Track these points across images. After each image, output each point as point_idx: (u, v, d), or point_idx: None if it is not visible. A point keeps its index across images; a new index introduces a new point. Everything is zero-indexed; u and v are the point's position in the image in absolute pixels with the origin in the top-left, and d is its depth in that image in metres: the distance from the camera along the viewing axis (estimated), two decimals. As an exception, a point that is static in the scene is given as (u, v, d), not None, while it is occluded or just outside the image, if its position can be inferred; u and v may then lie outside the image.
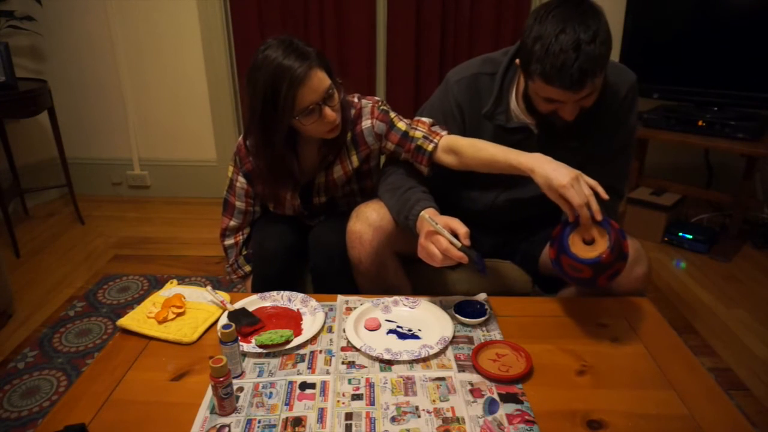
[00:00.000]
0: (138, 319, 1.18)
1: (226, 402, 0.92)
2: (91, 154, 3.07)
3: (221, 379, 0.90)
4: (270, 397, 0.97)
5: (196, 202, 3.07)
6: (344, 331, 1.14)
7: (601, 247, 1.07)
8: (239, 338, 1.06)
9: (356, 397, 0.97)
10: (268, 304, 1.26)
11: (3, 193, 2.42)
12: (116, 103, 2.95)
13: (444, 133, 1.30)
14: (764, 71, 2.22)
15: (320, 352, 1.09)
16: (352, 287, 1.41)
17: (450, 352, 1.09)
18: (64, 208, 2.94)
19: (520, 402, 0.95)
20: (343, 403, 0.95)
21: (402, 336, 1.14)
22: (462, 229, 1.14)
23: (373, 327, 1.16)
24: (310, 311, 1.22)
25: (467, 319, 1.17)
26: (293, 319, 1.19)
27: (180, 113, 2.97)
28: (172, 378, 1.03)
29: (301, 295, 1.26)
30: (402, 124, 1.33)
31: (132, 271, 2.31)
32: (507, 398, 0.96)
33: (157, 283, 2.21)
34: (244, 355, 1.08)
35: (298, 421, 0.91)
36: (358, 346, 1.08)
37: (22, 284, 2.21)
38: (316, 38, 2.71)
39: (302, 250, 1.46)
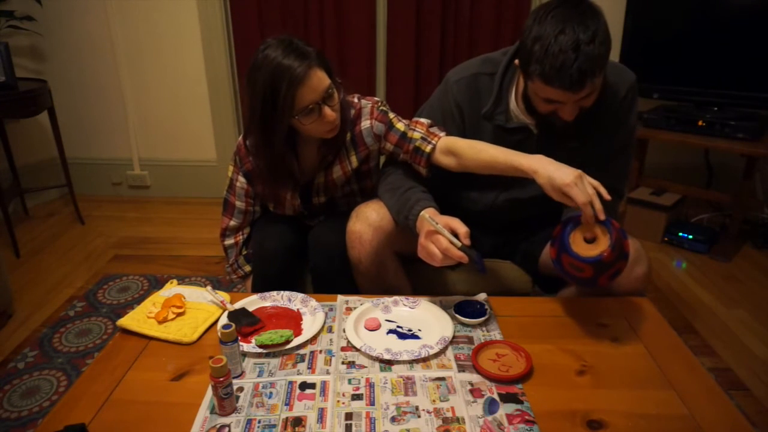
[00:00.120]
0: (138, 319, 1.18)
1: (226, 402, 0.92)
2: (91, 154, 3.07)
3: (221, 379, 0.90)
4: (270, 397, 0.97)
5: (196, 202, 3.07)
6: (344, 331, 1.14)
7: (602, 245, 1.07)
8: (239, 338, 1.06)
9: (356, 397, 0.97)
10: (268, 304, 1.26)
11: (3, 193, 2.42)
12: (116, 103, 2.95)
13: (442, 134, 1.30)
14: (764, 71, 2.22)
15: (320, 352, 1.09)
16: (352, 287, 1.41)
17: (450, 352, 1.09)
18: (64, 208, 2.94)
19: (520, 402, 0.95)
20: (343, 403, 0.95)
21: (402, 336, 1.14)
22: (462, 228, 1.14)
23: (373, 327, 1.16)
24: (310, 311, 1.22)
25: (467, 319, 1.17)
26: (293, 319, 1.19)
27: (180, 113, 2.97)
28: (172, 378, 1.03)
29: (301, 295, 1.26)
30: (401, 125, 1.33)
31: (132, 271, 2.31)
32: (507, 398, 0.96)
33: (157, 283, 2.21)
34: (244, 355, 1.08)
35: (298, 421, 0.91)
36: (358, 346, 1.08)
37: (22, 284, 2.21)
38: (316, 38, 2.71)
39: (302, 250, 1.46)
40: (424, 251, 1.16)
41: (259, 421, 0.92)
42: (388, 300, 1.25)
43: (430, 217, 1.16)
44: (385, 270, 1.36)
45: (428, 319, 1.19)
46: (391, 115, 1.36)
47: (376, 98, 1.39)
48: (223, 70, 2.85)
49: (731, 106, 2.36)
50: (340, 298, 1.28)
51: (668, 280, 2.23)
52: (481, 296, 1.25)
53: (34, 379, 1.67)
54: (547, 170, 1.10)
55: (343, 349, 1.10)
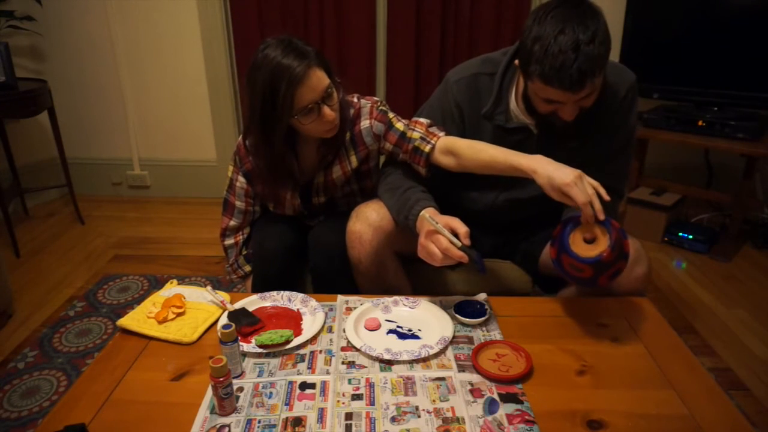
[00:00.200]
0: (138, 319, 1.18)
1: (226, 402, 0.92)
2: (91, 154, 3.07)
3: (221, 379, 0.90)
4: (270, 397, 0.97)
5: (196, 202, 3.07)
6: (344, 331, 1.14)
7: (602, 246, 1.07)
8: (239, 338, 1.06)
9: (356, 397, 0.97)
10: (268, 304, 1.26)
11: (3, 193, 2.42)
12: (116, 103, 2.95)
13: (441, 134, 1.30)
14: (764, 71, 2.22)
15: (320, 352, 1.09)
16: (352, 287, 1.41)
17: (450, 352, 1.09)
18: (64, 208, 2.94)
19: (520, 402, 0.95)
20: (343, 403, 0.95)
21: (402, 336, 1.14)
22: (462, 228, 1.14)
23: (373, 327, 1.16)
24: (310, 311, 1.22)
25: (467, 319, 1.17)
26: (293, 319, 1.19)
27: (180, 113, 2.97)
28: (172, 378, 1.03)
29: (301, 295, 1.26)
30: (400, 125, 1.33)
31: (132, 271, 2.31)
32: (507, 398, 0.96)
33: (157, 283, 2.21)
34: (244, 355, 1.08)
35: (298, 421, 0.91)
36: (358, 346, 1.08)
37: (22, 284, 2.21)
38: (316, 38, 2.71)
39: (302, 250, 1.46)
40: (424, 251, 1.16)
41: (259, 421, 0.92)
42: (388, 300, 1.25)
43: (430, 217, 1.16)
44: (385, 270, 1.36)
45: (428, 319, 1.19)
46: (391, 114, 1.36)
47: (375, 98, 1.39)
48: (223, 70, 2.85)
49: (731, 106, 2.36)
50: (340, 298, 1.28)
51: (668, 280, 2.23)
52: (481, 296, 1.25)
53: (34, 379, 1.67)
54: (547, 170, 1.10)
55: (343, 349, 1.10)
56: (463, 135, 1.32)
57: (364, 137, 1.36)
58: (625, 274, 1.16)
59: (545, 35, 1.08)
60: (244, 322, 1.14)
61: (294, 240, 1.45)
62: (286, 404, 0.95)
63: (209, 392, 0.98)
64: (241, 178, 1.45)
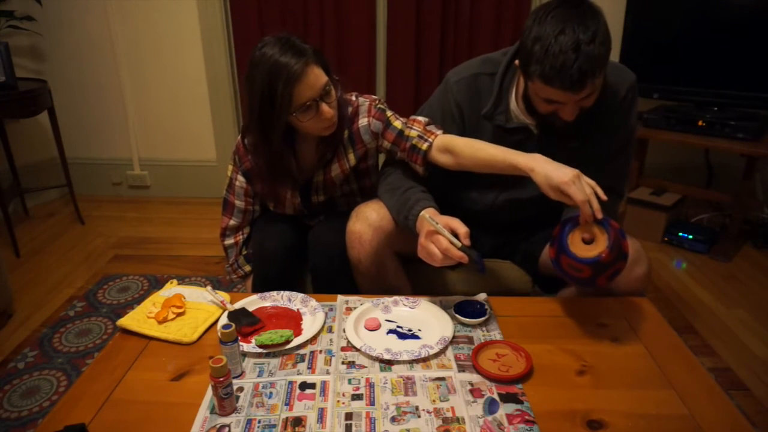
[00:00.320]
0: (138, 319, 1.18)
1: (226, 402, 0.92)
2: (91, 154, 3.07)
3: (221, 379, 0.90)
4: (270, 397, 0.97)
5: (196, 202, 3.07)
6: (344, 331, 1.14)
7: (600, 246, 1.07)
8: (239, 338, 1.06)
9: (356, 397, 0.97)
10: (268, 304, 1.26)
11: (3, 193, 2.42)
12: (116, 103, 2.95)
13: (439, 132, 1.30)
14: (764, 71, 2.22)
15: (320, 352, 1.09)
16: (352, 287, 1.41)
17: (450, 352, 1.09)
18: (64, 208, 2.94)
19: (520, 402, 0.95)
20: (343, 403, 0.95)
21: (402, 336, 1.14)
22: (462, 228, 1.14)
23: (373, 327, 1.16)
24: (310, 311, 1.22)
25: (467, 319, 1.17)
26: (293, 319, 1.19)
27: (180, 113, 2.97)
28: (172, 378, 1.03)
29: (301, 295, 1.26)
30: (398, 123, 1.33)
31: (132, 271, 2.31)
32: (507, 398, 0.96)
33: (157, 283, 2.21)
34: (244, 355, 1.08)
35: (298, 421, 0.91)
36: (358, 346, 1.08)
37: (22, 284, 2.21)
38: (316, 38, 2.71)
39: (302, 250, 1.46)
40: (424, 251, 1.16)
41: (259, 421, 0.92)
42: (388, 300, 1.25)
43: (430, 217, 1.16)
44: (385, 270, 1.36)
45: (428, 319, 1.19)
46: (389, 113, 1.36)
47: (373, 96, 1.39)
48: (223, 70, 2.85)
49: (731, 106, 2.36)
50: (340, 298, 1.28)
51: (668, 280, 2.23)
52: (481, 296, 1.25)
53: (34, 379, 1.67)
54: (545, 169, 1.10)
55: (343, 349, 1.10)
56: (463, 135, 1.32)
57: (362, 135, 1.36)
58: (624, 275, 1.16)
59: (545, 35, 1.08)
60: (244, 322, 1.14)
61: (294, 240, 1.45)
62: (286, 404, 0.95)
63: (209, 392, 0.98)
64: (240, 177, 1.45)
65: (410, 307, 1.23)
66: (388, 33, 2.73)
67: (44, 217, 2.86)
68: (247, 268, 1.55)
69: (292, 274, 1.48)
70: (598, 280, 1.09)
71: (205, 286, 1.32)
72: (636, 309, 1.24)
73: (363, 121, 1.35)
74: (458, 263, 1.13)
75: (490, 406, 0.94)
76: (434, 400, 0.96)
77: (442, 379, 1.01)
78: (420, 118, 1.34)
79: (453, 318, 1.18)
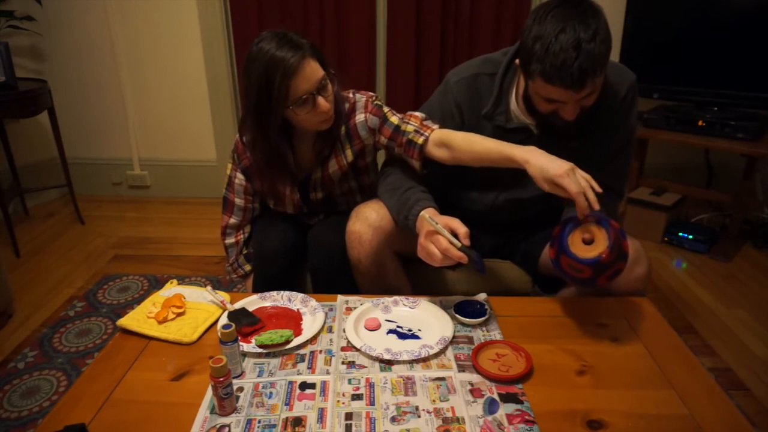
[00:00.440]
0: (138, 319, 1.18)
1: (226, 402, 0.92)
2: (91, 154, 3.07)
3: (221, 379, 0.90)
4: (270, 397, 0.97)
5: (196, 202, 3.07)
6: (344, 331, 1.14)
7: (600, 246, 1.07)
8: (239, 338, 1.06)
9: (356, 397, 0.97)
10: (268, 304, 1.26)
11: (3, 193, 2.42)
12: (116, 103, 2.95)
13: (435, 126, 1.30)
14: (764, 71, 2.22)
15: (320, 352, 1.09)
16: (352, 287, 1.41)
17: (450, 352, 1.09)
18: (64, 208, 2.94)
19: (520, 402, 0.95)
20: (343, 403, 0.95)
21: (402, 336, 1.14)
22: (462, 228, 1.14)
23: (373, 327, 1.16)
24: (310, 311, 1.22)
25: (467, 319, 1.17)
26: (293, 319, 1.19)
27: (180, 113, 2.96)
28: (172, 378, 1.03)
29: (301, 295, 1.26)
30: (395, 119, 1.34)
31: (132, 271, 2.31)
32: (507, 398, 0.96)
33: (157, 283, 2.21)
34: (244, 355, 1.08)
35: (298, 421, 0.91)
36: (358, 346, 1.08)
37: (22, 284, 2.21)
38: (316, 38, 2.71)
39: (303, 250, 1.46)
40: (424, 251, 1.16)
41: (259, 421, 0.92)
42: (388, 300, 1.25)
43: (429, 218, 1.16)
44: (385, 270, 1.36)
45: (428, 319, 1.19)
46: (386, 109, 1.36)
47: (370, 93, 1.40)
48: (223, 70, 2.85)
49: (731, 106, 2.36)
50: (340, 298, 1.28)
51: (668, 280, 2.23)
52: (481, 296, 1.25)
53: (34, 379, 1.67)
54: (540, 161, 1.10)
55: (343, 349, 1.10)
56: (463, 134, 1.32)
57: (359, 131, 1.37)
58: (624, 275, 1.16)
59: (546, 34, 1.08)
60: (244, 322, 1.14)
61: (295, 240, 1.45)
62: (286, 404, 0.95)
63: (209, 392, 0.98)
64: (239, 175, 1.45)
65: (410, 307, 1.23)
66: (388, 33, 2.73)
67: (44, 217, 2.86)
68: (248, 267, 1.56)
69: (293, 274, 1.48)
70: (599, 281, 1.09)
71: (205, 286, 1.32)
72: (636, 309, 1.24)
73: (360, 117, 1.36)
74: (458, 263, 1.13)
75: (490, 406, 0.94)
76: (434, 400, 0.96)
77: (442, 379, 1.01)
78: (417, 114, 1.34)
79: (453, 318, 1.18)
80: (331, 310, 1.23)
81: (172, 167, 3.09)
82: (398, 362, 1.06)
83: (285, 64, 1.17)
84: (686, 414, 0.93)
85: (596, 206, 1.06)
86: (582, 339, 1.13)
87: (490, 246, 1.50)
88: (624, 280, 1.21)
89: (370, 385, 1.00)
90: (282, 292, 1.28)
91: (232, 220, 1.51)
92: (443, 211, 1.23)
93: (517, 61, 1.21)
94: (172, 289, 1.31)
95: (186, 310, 1.21)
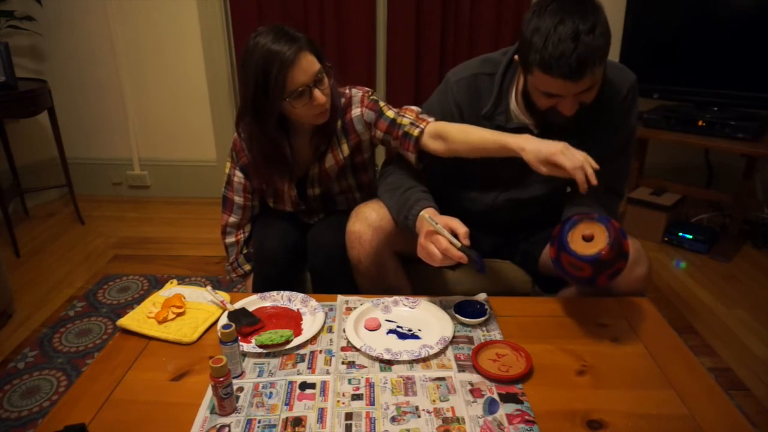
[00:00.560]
0: (138, 319, 1.18)
1: (226, 402, 0.92)
2: (91, 154, 3.07)
3: (221, 379, 0.90)
4: (270, 397, 0.97)
5: (196, 202, 3.07)
6: (344, 331, 1.14)
7: (600, 243, 1.07)
8: (239, 338, 1.06)
9: (356, 397, 0.97)
10: (268, 304, 1.26)
11: (3, 193, 2.42)
12: (116, 103, 2.95)
13: (431, 119, 1.31)
14: (764, 71, 2.22)
15: (320, 352, 1.09)
16: (352, 287, 1.41)
17: (450, 352, 1.09)
18: (64, 208, 2.94)
19: (520, 402, 0.95)
20: (343, 403, 0.95)
21: (402, 336, 1.14)
22: (461, 228, 1.14)
23: (373, 327, 1.16)
24: (310, 311, 1.22)
25: (467, 319, 1.17)
26: (293, 319, 1.19)
27: (180, 113, 2.97)
28: (172, 378, 1.03)
29: (301, 295, 1.26)
30: (390, 113, 1.34)
31: (132, 271, 2.31)
32: (507, 398, 0.96)
33: (157, 283, 2.21)
34: (244, 355, 1.08)
35: (298, 421, 0.91)
36: (358, 346, 1.08)
37: (22, 284, 2.21)
38: (315, 38, 2.71)
39: (303, 250, 1.46)
40: (424, 251, 1.16)
41: (259, 421, 0.92)
42: (388, 300, 1.25)
43: (429, 218, 1.16)
44: (385, 270, 1.36)
45: (428, 319, 1.19)
46: (382, 103, 1.37)
47: (366, 88, 1.40)
48: (223, 70, 2.85)
49: (731, 106, 2.36)
50: (340, 298, 1.28)
51: (668, 280, 2.23)
52: (481, 296, 1.25)
53: (34, 379, 1.67)
54: (534, 145, 1.11)
55: (343, 349, 1.10)
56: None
57: (355, 125, 1.37)
58: (625, 275, 1.16)
59: (545, 26, 1.08)
60: (244, 322, 1.14)
61: (295, 240, 1.45)
62: (286, 404, 0.95)
63: (209, 392, 0.98)
64: (238, 173, 1.46)
65: (410, 307, 1.23)
66: (388, 33, 2.73)
67: (44, 217, 2.86)
68: (247, 267, 1.56)
69: (293, 274, 1.48)
70: (599, 279, 1.09)
71: (205, 286, 1.32)
72: (636, 309, 1.24)
73: (356, 111, 1.36)
74: (458, 263, 1.13)
75: (490, 406, 0.94)
76: (434, 400, 0.96)
77: (442, 379, 1.01)
78: (413, 108, 1.34)
79: (453, 318, 1.18)
80: (331, 310, 1.23)
81: (172, 167, 3.09)
82: (398, 362, 1.06)
83: (282, 56, 1.18)
84: (686, 414, 0.93)
85: (593, 180, 1.07)
86: (582, 339, 1.13)
87: (490, 246, 1.50)
88: (624, 280, 1.21)
89: (370, 385, 1.00)
90: (282, 292, 1.28)
91: (232, 219, 1.51)
92: (443, 211, 1.23)
93: (516, 56, 1.20)
94: (172, 289, 1.31)
95: (186, 310, 1.21)
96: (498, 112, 1.31)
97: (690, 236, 2.46)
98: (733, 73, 2.29)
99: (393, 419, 0.91)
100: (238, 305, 1.22)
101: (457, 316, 1.18)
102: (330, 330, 1.16)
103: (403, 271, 1.42)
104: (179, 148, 3.05)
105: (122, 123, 2.99)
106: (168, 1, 2.74)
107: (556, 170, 1.09)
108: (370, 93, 1.38)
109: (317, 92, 1.24)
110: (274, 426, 0.91)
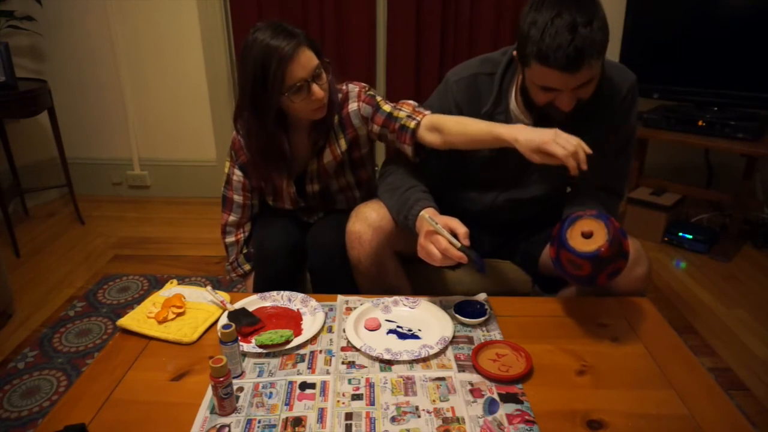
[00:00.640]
0: (138, 319, 1.18)
1: (226, 402, 0.92)
2: (91, 154, 3.07)
3: (221, 379, 0.90)
4: (270, 397, 0.97)
5: (196, 202, 3.07)
6: (344, 331, 1.14)
7: (599, 240, 1.06)
8: (239, 338, 1.06)
9: (356, 397, 0.97)
10: (268, 304, 1.26)
11: (3, 193, 2.42)
12: (116, 103, 2.95)
13: (427, 112, 1.31)
14: (764, 71, 2.22)
15: (320, 352, 1.09)
16: (352, 287, 1.41)
17: (450, 352, 1.09)
18: (64, 208, 2.94)
19: (520, 402, 0.95)
20: (343, 403, 0.95)
21: (402, 336, 1.14)
22: (461, 228, 1.14)
23: (373, 327, 1.16)
24: (310, 311, 1.22)
25: (467, 319, 1.17)
26: (293, 319, 1.19)
27: (180, 113, 2.97)
28: (172, 378, 1.03)
29: (301, 295, 1.26)
30: (387, 107, 1.34)
31: (132, 271, 2.31)
32: (507, 398, 0.96)
33: (157, 283, 2.21)
34: (244, 355, 1.08)
35: (298, 421, 0.91)
36: (358, 346, 1.08)
37: (22, 284, 2.21)
38: (316, 38, 2.69)
39: (303, 250, 1.46)
40: (424, 251, 1.16)
41: (259, 421, 0.92)
42: (388, 300, 1.25)
43: (429, 218, 1.16)
44: (385, 270, 1.36)
45: (428, 319, 1.19)
46: (379, 98, 1.37)
47: (363, 83, 1.40)
48: (223, 70, 2.85)
49: (731, 106, 2.36)
50: (340, 298, 1.28)
51: (668, 280, 2.23)
52: (481, 296, 1.25)
53: (34, 379, 1.67)
54: (527, 135, 1.11)
55: (343, 349, 1.10)
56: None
57: (352, 119, 1.37)
58: (625, 274, 1.16)
59: (542, 19, 1.08)
60: (244, 322, 1.14)
61: (294, 240, 1.45)
62: (286, 404, 0.95)
63: (209, 392, 0.98)
64: (237, 172, 1.46)
65: (410, 307, 1.23)
66: (388, 33, 2.73)
67: (44, 217, 2.86)
68: (247, 266, 1.56)
69: (293, 274, 1.48)
70: (599, 278, 1.09)
71: (205, 286, 1.32)
72: (636, 309, 1.24)
73: (353, 106, 1.36)
74: (458, 263, 1.13)
75: (490, 406, 0.94)
76: (434, 400, 0.96)
77: (442, 379, 1.01)
78: (410, 102, 1.34)
79: (453, 318, 1.18)
80: (331, 310, 1.23)
81: (172, 167, 3.09)
82: (398, 362, 1.06)
83: (280, 51, 1.19)
84: (686, 414, 0.93)
85: (584, 165, 1.07)
86: (582, 339, 1.13)
87: (490, 246, 1.50)
88: (624, 280, 1.21)
89: (370, 385, 1.00)
90: (282, 292, 1.28)
91: (232, 218, 1.51)
92: (443, 211, 1.23)
93: (514, 52, 1.20)
94: (172, 289, 1.31)
95: (186, 310, 1.21)
96: (498, 112, 1.31)
97: (690, 236, 2.46)
98: (733, 73, 2.29)
99: (393, 419, 0.91)
100: (238, 305, 1.22)
101: (457, 316, 1.18)
102: (330, 330, 1.16)
103: (403, 271, 1.42)
104: (179, 148, 3.05)
105: (122, 123, 2.99)
106: (168, 1, 2.74)
107: (548, 158, 1.09)
108: (366, 88, 1.38)
109: (315, 87, 1.24)
110: (274, 426, 0.91)
